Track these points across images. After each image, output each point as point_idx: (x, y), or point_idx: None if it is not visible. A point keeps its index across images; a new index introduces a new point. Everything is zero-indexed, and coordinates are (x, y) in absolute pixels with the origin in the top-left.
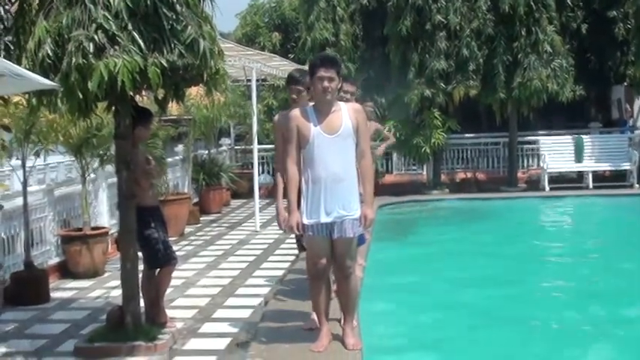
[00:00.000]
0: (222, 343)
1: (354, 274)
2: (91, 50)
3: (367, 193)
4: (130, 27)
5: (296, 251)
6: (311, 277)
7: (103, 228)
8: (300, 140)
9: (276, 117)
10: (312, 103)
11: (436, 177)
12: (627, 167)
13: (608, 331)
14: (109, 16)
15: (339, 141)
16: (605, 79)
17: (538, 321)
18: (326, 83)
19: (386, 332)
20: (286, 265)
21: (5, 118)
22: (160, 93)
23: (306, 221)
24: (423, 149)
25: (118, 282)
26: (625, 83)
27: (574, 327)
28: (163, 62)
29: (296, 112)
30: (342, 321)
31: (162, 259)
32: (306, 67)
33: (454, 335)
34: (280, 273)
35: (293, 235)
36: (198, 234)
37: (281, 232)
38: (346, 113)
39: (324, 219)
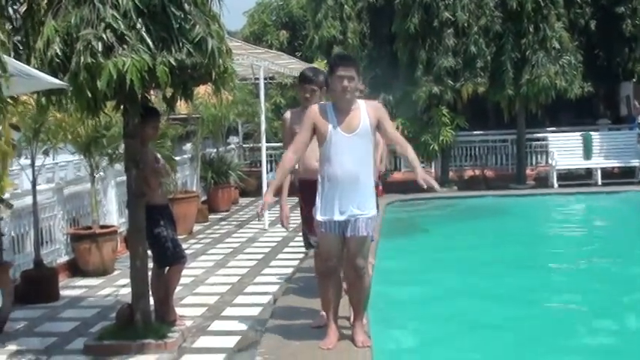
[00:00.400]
0: (231, 341)
1: (367, 273)
2: (100, 49)
3: (413, 158)
4: (138, 26)
5: (304, 249)
6: (320, 274)
7: (112, 226)
8: (318, 137)
9: (286, 114)
10: (325, 102)
11: (444, 174)
12: (636, 164)
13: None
14: (117, 16)
15: (356, 140)
16: (613, 76)
17: (555, 311)
18: (345, 82)
19: (393, 331)
20: (295, 262)
21: (14, 117)
22: (169, 92)
23: (319, 218)
24: (432, 147)
25: (127, 280)
26: (633, 80)
27: (582, 312)
28: (172, 61)
29: (315, 108)
30: (352, 319)
31: (171, 258)
32: (315, 65)
33: (462, 333)
34: (289, 271)
35: (301, 233)
36: (206, 232)
37: (290, 229)
38: (365, 112)
39: (338, 217)
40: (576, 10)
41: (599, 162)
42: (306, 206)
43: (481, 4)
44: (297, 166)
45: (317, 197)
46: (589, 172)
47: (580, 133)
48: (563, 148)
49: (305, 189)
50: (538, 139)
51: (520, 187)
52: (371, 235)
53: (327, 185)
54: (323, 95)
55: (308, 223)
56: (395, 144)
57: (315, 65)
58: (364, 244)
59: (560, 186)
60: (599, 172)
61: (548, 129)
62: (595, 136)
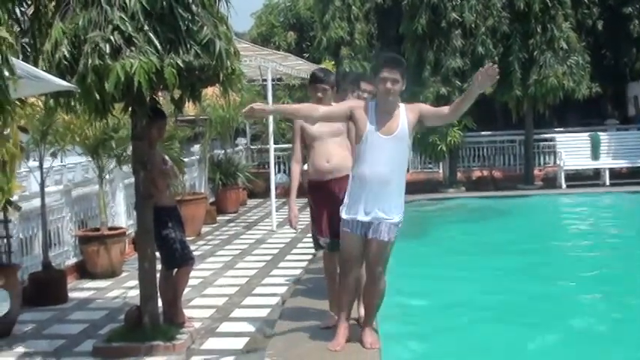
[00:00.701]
0: (240, 343)
1: (383, 278)
2: (108, 51)
3: (465, 95)
4: (146, 28)
5: (312, 250)
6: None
7: (121, 228)
8: (355, 134)
9: None
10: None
11: (452, 175)
12: None
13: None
14: (125, 17)
15: (392, 143)
16: (621, 76)
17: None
18: (389, 84)
19: (401, 333)
20: (303, 264)
21: (22, 120)
22: (177, 93)
23: (344, 216)
24: (439, 147)
25: (135, 282)
26: None
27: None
28: (179, 63)
29: (360, 103)
30: (362, 320)
31: (179, 259)
32: (323, 66)
33: (472, 332)
34: (297, 272)
35: (310, 235)
36: (215, 234)
37: (298, 230)
38: (404, 116)
39: (362, 217)
40: (584, 10)
41: (607, 162)
42: (316, 207)
43: (488, 5)
44: (305, 167)
45: (346, 195)
46: (597, 173)
47: (588, 133)
48: (571, 149)
49: (314, 190)
50: (546, 140)
51: (528, 188)
52: (388, 241)
53: (356, 184)
54: (334, 95)
55: (317, 224)
56: (449, 114)
57: (323, 66)
58: (385, 248)
59: (568, 186)
60: (607, 172)
61: (556, 129)
62: (603, 136)
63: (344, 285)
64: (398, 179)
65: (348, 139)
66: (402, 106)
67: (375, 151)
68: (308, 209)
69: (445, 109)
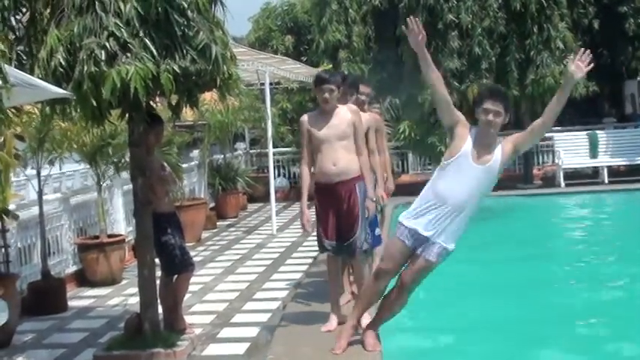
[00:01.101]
0: (241, 348)
1: (408, 294)
2: (103, 58)
3: (556, 97)
4: (141, 34)
5: (313, 254)
6: (373, 276)
7: (120, 235)
8: (452, 147)
9: (304, 117)
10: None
11: None
12: None
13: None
14: (120, 24)
15: (481, 173)
16: (617, 75)
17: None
18: (491, 116)
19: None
20: (304, 268)
21: (18, 127)
22: (174, 99)
23: (405, 222)
24: (438, 149)
25: (135, 289)
26: (638, 78)
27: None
28: (176, 68)
29: (467, 124)
30: (366, 324)
31: (179, 266)
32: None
33: (472, 334)
34: (298, 276)
35: (310, 238)
36: (215, 239)
37: (299, 234)
38: (500, 148)
39: (422, 231)
40: (579, 10)
41: (605, 160)
42: (322, 210)
43: (484, 6)
44: (312, 169)
45: (417, 200)
46: (595, 171)
47: (586, 132)
48: (570, 148)
49: (321, 193)
50: (544, 139)
51: (527, 187)
52: (434, 263)
53: (430, 197)
54: (340, 95)
55: (323, 227)
56: (542, 124)
57: (321, 69)
58: (428, 269)
59: (567, 185)
60: (605, 170)
61: (554, 128)
62: (601, 134)
63: (370, 289)
64: (471, 209)
65: (355, 143)
66: (500, 140)
67: (461, 175)
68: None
69: (536, 122)
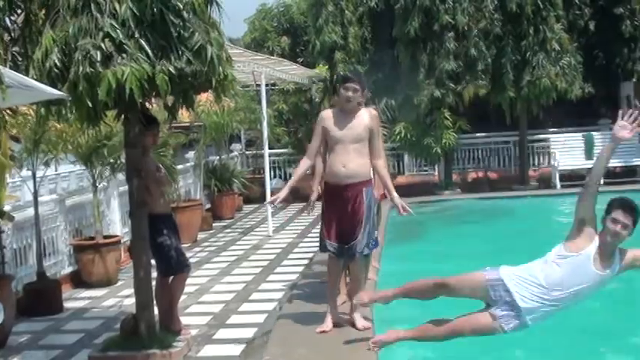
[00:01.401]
0: (237, 349)
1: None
2: (99, 59)
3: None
4: (137, 35)
5: (309, 255)
6: (436, 281)
7: (116, 236)
8: (577, 243)
9: (325, 112)
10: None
11: (448, 177)
12: (638, 163)
13: None
14: (115, 25)
15: (596, 278)
16: (613, 76)
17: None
18: (619, 228)
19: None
20: (300, 269)
21: (14, 129)
22: (169, 100)
23: (503, 273)
24: (434, 150)
25: (131, 290)
26: (634, 79)
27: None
28: (171, 69)
29: (595, 226)
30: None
31: (175, 267)
32: (317, 71)
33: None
34: (294, 277)
35: (307, 239)
36: (211, 240)
37: (295, 235)
38: (619, 258)
39: (518, 299)
40: (575, 11)
41: None
42: (328, 210)
43: (480, 7)
44: (317, 167)
45: (525, 268)
46: None
47: (581, 133)
48: (565, 149)
49: (329, 193)
50: (540, 141)
51: (523, 189)
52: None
53: (539, 278)
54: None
55: (327, 227)
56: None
57: (317, 70)
58: (489, 332)
59: (562, 186)
60: None
61: (549, 130)
62: (596, 136)
63: (421, 285)
64: (566, 306)
65: (371, 147)
66: (619, 249)
67: (577, 275)
68: (304, 212)
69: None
